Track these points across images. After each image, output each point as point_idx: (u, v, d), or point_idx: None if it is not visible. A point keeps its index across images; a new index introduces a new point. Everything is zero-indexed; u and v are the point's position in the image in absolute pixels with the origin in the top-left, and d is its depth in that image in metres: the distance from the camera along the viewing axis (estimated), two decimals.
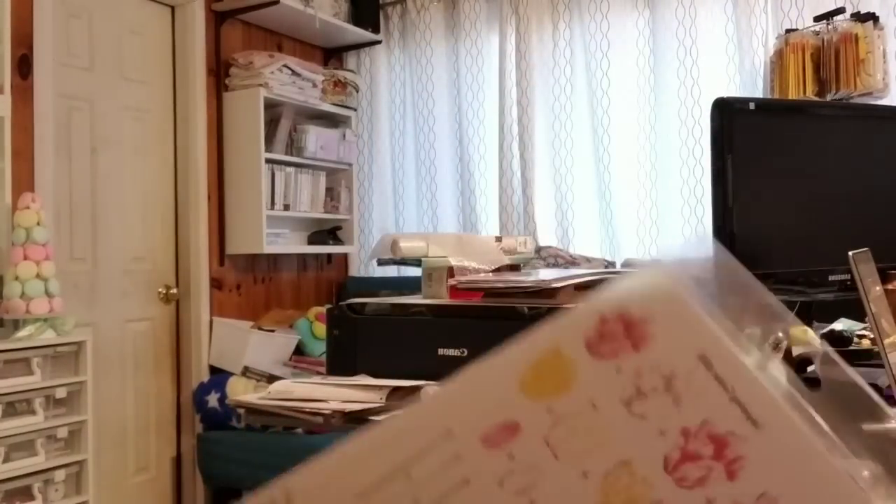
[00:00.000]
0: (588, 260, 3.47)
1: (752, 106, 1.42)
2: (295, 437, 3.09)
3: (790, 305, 1.55)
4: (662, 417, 0.30)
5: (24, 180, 2.79)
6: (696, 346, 0.30)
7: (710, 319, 0.30)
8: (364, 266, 4.20)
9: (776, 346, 0.92)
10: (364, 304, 1.58)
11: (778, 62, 3.07)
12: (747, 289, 0.35)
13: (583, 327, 0.31)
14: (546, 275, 1.47)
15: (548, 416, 0.32)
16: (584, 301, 0.32)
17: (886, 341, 0.92)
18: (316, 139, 3.79)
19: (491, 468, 0.32)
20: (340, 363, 1.57)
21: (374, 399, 1.26)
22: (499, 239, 1.83)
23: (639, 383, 0.31)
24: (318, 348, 3.53)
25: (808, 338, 1.29)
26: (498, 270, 1.69)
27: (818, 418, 0.31)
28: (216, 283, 3.55)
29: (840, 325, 1.42)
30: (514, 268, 1.77)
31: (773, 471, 0.30)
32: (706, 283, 0.33)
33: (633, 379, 0.31)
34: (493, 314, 1.43)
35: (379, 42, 4.14)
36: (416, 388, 1.30)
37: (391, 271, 3.90)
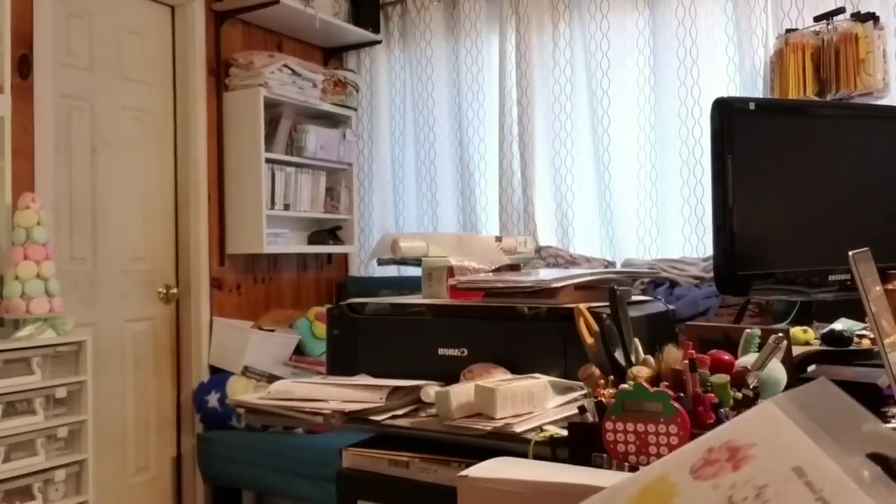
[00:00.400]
0: (588, 260, 3.47)
1: (752, 106, 1.42)
2: (295, 437, 3.09)
3: (790, 305, 1.56)
4: None
5: (24, 180, 2.79)
6: (792, 459, 0.33)
7: (809, 437, 0.33)
8: (364, 266, 4.20)
9: (777, 346, 0.91)
10: (364, 304, 1.58)
11: (778, 62, 3.07)
12: (849, 413, 0.39)
13: (691, 458, 0.36)
14: (546, 275, 1.47)
15: None
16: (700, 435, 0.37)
17: (886, 341, 0.92)
18: (316, 139, 3.79)
19: None
20: (340, 363, 1.57)
21: (374, 399, 1.26)
22: (499, 239, 1.83)
23: (731, 494, 0.33)
24: (318, 348, 3.53)
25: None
26: (498, 270, 1.70)
27: None
28: (216, 283, 3.55)
29: (840, 324, 1.42)
30: (514, 268, 1.77)
31: None
32: (811, 408, 0.37)
33: (727, 492, 0.34)
34: (493, 314, 1.43)
35: (379, 42, 4.14)
36: (416, 388, 1.30)
37: (391, 271, 3.90)
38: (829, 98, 2.95)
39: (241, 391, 3.18)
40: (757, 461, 0.34)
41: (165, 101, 3.49)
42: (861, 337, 1.33)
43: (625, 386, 0.92)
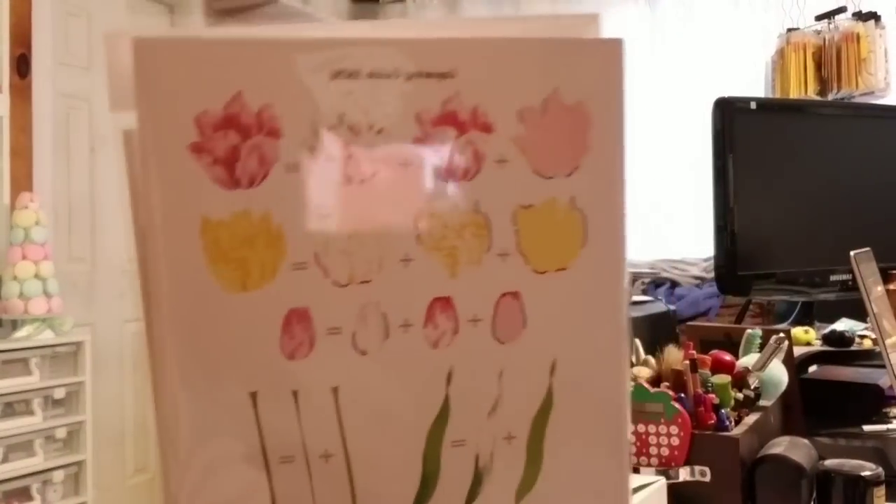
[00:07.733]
0: None
1: (753, 105, 1.41)
2: None
3: (791, 305, 1.55)
4: None
5: (22, 180, 2.79)
6: None
7: None
8: None
9: (778, 347, 0.91)
10: None
11: (779, 61, 3.06)
12: None
13: None
14: None
15: None
16: None
17: (888, 341, 0.92)
18: None
19: None
20: None
21: None
22: None
23: None
24: None
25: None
26: None
27: None
28: None
29: (841, 325, 1.41)
30: None
31: None
32: None
33: None
34: None
35: None
36: None
37: None
38: (830, 97, 2.94)
39: None
40: None
41: None
42: (862, 337, 1.33)
43: None
